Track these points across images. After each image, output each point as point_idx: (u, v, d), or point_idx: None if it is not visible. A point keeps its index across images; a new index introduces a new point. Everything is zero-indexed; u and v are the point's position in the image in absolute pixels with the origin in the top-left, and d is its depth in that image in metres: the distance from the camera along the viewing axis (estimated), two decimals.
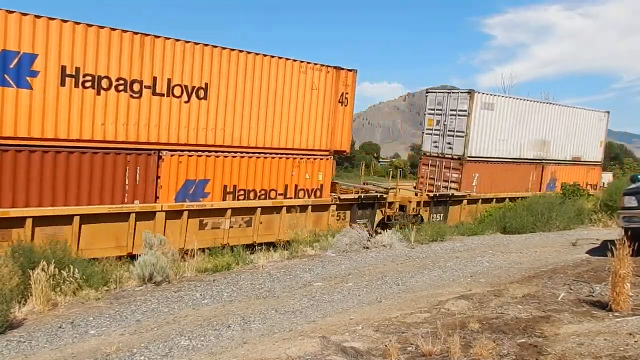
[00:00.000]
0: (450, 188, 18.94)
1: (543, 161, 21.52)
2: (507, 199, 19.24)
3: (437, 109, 19.77)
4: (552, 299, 6.63)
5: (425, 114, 20.44)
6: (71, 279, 7.62)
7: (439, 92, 20.02)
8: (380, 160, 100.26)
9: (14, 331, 6.42)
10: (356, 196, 15.64)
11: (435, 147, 19.77)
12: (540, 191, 20.64)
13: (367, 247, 11.71)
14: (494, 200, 19.30)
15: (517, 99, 20.60)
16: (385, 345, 4.99)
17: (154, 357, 5.64)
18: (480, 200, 19.13)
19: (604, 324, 5.40)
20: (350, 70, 14.89)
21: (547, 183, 21.71)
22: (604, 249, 9.16)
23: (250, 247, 12.32)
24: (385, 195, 16.16)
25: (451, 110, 19.28)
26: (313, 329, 6.13)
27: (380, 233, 12.95)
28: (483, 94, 19.19)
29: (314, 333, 5.79)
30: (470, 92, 18.76)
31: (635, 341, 4.72)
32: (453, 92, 19.48)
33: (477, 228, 15.38)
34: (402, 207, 16.72)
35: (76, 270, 7.72)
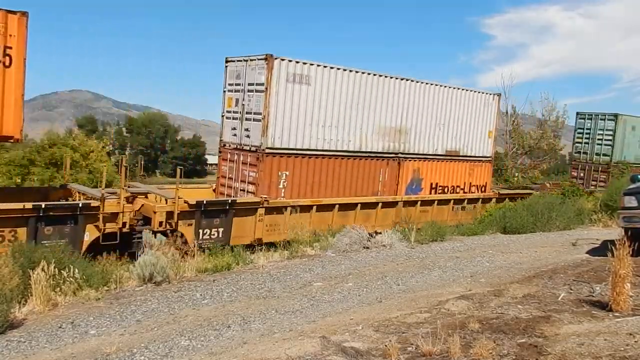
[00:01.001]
0: (247, 191, 14.11)
1: (400, 155, 16.69)
2: (337, 206, 14.84)
3: (236, 84, 14.82)
4: (552, 299, 6.63)
5: (224, 91, 15.33)
6: (71, 279, 7.62)
7: (238, 61, 14.77)
8: None
9: (14, 331, 6.42)
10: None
11: (234, 135, 14.88)
12: (397, 194, 16.59)
13: (367, 247, 11.71)
14: (314, 208, 14.38)
15: (351, 71, 15.31)
16: (385, 345, 4.99)
17: (154, 357, 5.64)
18: (289, 209, 13.86)
19: (604, 324, 5.40)
20: (12, 13, 9.94)
21: (407, 184, 17.08)
22: (604, 249, 9.16)
23: (251, 247, 12.32)
24: (96, 204, 11.13)
25: (249, 84, 14.26)
26: (313, 329, 6.13)
27: (380, 233, 12.94)
28: (290, 61, 13.90)
29: (314, 333, 5.79)
30: (268, 58, 13.50)
31: (635, 341, 4.72)
32: (252, 59, 14.22)
33: (477, 228, 15.38)
34: (147, 220, 12.04)
35: (76, 270, 7.73)
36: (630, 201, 9.52)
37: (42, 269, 7.26)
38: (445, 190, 18.55)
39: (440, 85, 17.95)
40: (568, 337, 4.98)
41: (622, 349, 4.58)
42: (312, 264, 10.11)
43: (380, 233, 12.96)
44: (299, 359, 4.84)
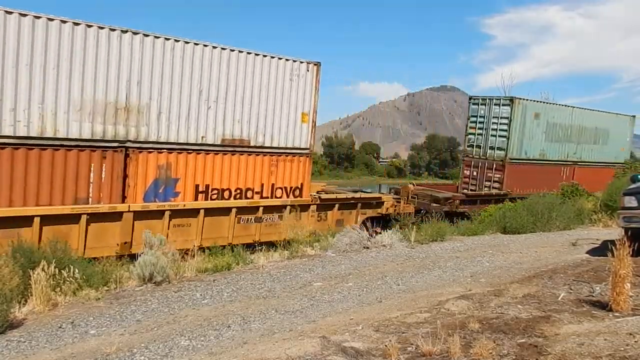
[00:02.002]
0: None
1: (128, 145, 11.73)
2: None
3: None
4: (552, 299, 6.64)
5: None
6: (71, 279, 7.63)
7: None
8: (380, 160, 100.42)
9: (14, 331, 6.42)
10: None
11: None
12: (126, 201, 11.69)
13: (367, 247, 11.71)
14: None
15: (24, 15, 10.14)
16: (385, 345, 4.99)
17: (154, 357, 5.64)
18: None
19: (604, 324, 5.40)
20: None
21: (147, 186, 12.08)
22: (604, 249, 9.16)
23: (251, 247, 12.32)
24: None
25: None
26: (313, 329, 6.13)
27: (381, 233, 12.94)
28: None
29: (314, 333, 5.79)
30: None
31: (635, 341, 4.72)
32: None
33: (477, 228, 15.38)
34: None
35: (76, 270, 7.73)
36: (630, 201, 9.53)
37: (42, 269, 7.26)
38: (226, 194, 13.41)
39: (211, 47, 12.81)
40: (568, 337, 4.98)
41: (622, 349, 4.58)
42: (312, 264, 10.11)
43: (380, 233, 12.96)
44: (299, 359, 4.84)
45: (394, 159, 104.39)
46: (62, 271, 7.58)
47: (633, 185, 10.14)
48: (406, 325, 5.86)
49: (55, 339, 6.23)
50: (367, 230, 14.15)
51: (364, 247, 11.68)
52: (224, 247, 11.87)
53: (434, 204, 20.15)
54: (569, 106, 24.71)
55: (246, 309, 7.30)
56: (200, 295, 8.00)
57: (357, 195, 17.26)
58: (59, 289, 7.53)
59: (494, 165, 22.80)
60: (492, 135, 23.09)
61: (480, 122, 23.51)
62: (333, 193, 17.08)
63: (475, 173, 23.50)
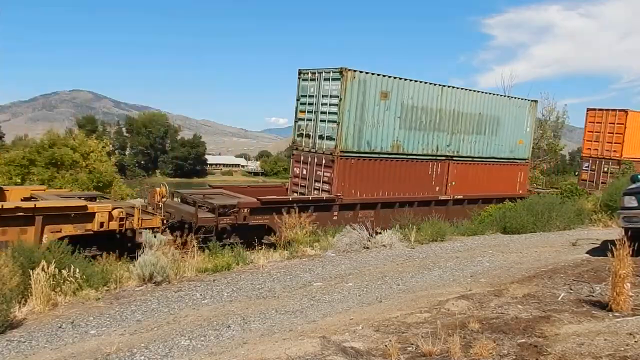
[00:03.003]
0: None
1: None
2: None
3: None
4: (552, 299, 6.64)
5: None
6: (71, 279, 7.62)
7: None
8: None
9: (14, 331, 6.42)
10: None
11: None
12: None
13: (367, 247, 11.71)
14: None
15: None
16: (386, 345, 4.99)
17: (154, 357, 5.64)
18: None
19: (604, 324, 5.40)
20: None
21: None
22: (604, 249, 9.16)
23: (251, 247, 12.32)
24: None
25: None
26: (313, 329, 6.13)
27: (381, 233, 12.93)
28: None
29: (314, 333, 5.79)
30: None
31: (635, 341, 4.72)
32: None
33: (477, 228, 15.38)
34: None
35: (76, 270, 7.73)
36: (630, 201, 9.53)
37: (42, 269, 7.26)
38: None
39: None
40: (568, 337, 4.98)
41: (622, 349, 4.58)
42: (312, 264, 10.11)
43: (380, 233, 12.96)
44: (299, 359, 4.84)
45: None
46: (62, 271, 7.58)
47: (633, 185, 10.14)
48: (406, 325, 5.86)
49: (55, 339, 6.23)
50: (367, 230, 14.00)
51: (364, 247, 11.68)
52: (224, 246, 11.85)
53: (205, 215, 13.76)
54: (436, 84, 18.22)
55: (246, 309, 7.29)
56: (200, 295, 8.00)
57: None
58: (59, 289, 7.52)
59: (323, 161, 16.43)
60: (321, 121, 16.70)
61: (310, 104, 17.22)
62: None
63: (304, 171, 17.28)
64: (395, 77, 16.96)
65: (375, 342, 5.26)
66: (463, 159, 19.27)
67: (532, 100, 21.91)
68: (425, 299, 7.23)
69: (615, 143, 28.46)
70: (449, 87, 18.66)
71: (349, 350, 4.91)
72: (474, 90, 19.76)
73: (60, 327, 6.56)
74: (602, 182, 27.80)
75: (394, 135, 17.11)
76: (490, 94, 20.48)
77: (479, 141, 19.74)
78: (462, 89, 19.11)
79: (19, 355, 5.81)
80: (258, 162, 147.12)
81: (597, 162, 29.10)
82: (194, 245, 10.38)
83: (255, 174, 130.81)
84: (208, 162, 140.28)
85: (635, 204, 9.42)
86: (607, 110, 29.11)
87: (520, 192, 20.99)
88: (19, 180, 20.62)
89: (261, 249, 11.84)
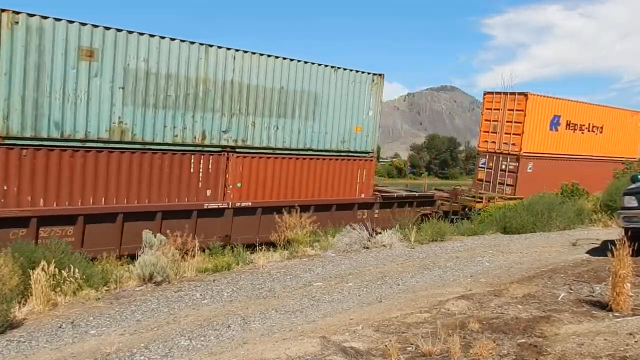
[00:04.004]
0: None
1: None
2: None
3: None
4: (552, 299, 6.64)
5: None
6: (71, 279, 7.62)
7: None
8: (381, 160, 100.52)
9: (14, 331, 6.43)
10: None
11: None
12: None
13: (367, 247, 11.71)
14: None
15: None
16: (385, 345, 4.99)
17: (154, 357, 5.64)
18: None
19: (604, 324, 5.40)
20: None
21: None
22: (604, 249, 9.16)
23: (251, 247, 12.31)
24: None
25: None
26: (313, 329, 6.13)
27: (380, 233, 12.92)
28: None
29: (314, 333, 5.80)
30: None
31: (635, 341, 4.72)
32: None
33: (477, 228, 15.38)
34: None
35: (76, 270, 7.73)
36: (630, 201, 9.53)
37: (42, 269, 7.27)
38: None
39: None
40: (568, 337, 4.98)
41: (622, 349, 4.58)
42: (312, 264, 10.11)
43: (380, 233, 12.95)
44: (299, 359, 4.84)
45: (394, 159, 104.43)
46: (62, 271, 7.58)
47: (633, 185, 10.14)
48: (406, 325, 5.86)
49: (55, 339, 6.23)
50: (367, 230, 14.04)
51: (364, 247, 11.67)
52: (224, 246, 11.86)
53: None
54: (195, 43, 12.81)
55: (246, 309, 7.30)
56: (200, 295, 8.00)
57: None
58: (59, 289, 7.53)
59: None
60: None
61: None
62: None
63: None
64: (110, 28, 11.51)
65: (375, 342, 5.26)
66: (255, 151, 14.03)
67: (374, 74, 16.40)
68: (425, 299, 7.23)
69: (514, 134, 22.95)
70: (220, 47, 13.16)
71: (349, 350, 4.91)
72: (270, 55, 14.15)
73: (60, 327, 6.56)
74: (499, 183, 23.35)
75: (112, 115, 11.70)
76: (301, 61, 14.77)
77: (283, 127, 14.50)
78: (245, 51, 13.66)
79: (19, 355, 5.81)
80: None
81: (495, 158, 23.59)
82: None
83: None
84: None
85: (635, 204, 9.41)
86: (506, 93, 23.57)
87: (363, 195, 16.28)
88: None
89: (261, 249, 11.85)
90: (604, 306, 6.00)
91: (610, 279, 5.96)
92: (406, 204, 17.58)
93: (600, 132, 26.27)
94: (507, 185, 23.16)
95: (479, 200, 20.86)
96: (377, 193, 17.06)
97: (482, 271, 9.47)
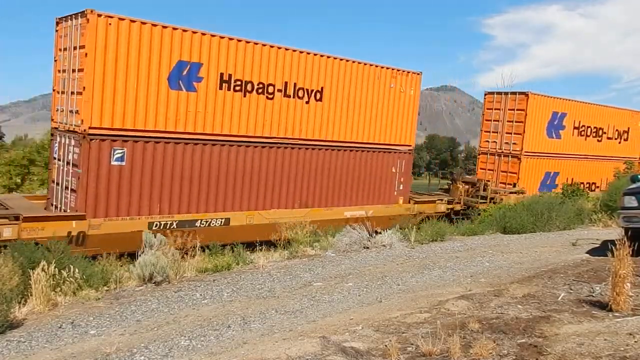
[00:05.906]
0: None
1: None
2: None
3: None
4: (552, 299, 6.64)
5: None
6: (71, 279, 7.63)
7: None
8: None
9: (14, 331, 6.42)
10: None
11: None
12: None
13: (367, 247, 11.71)
14: None
15: None
16: (385, 345, 4.99)
17: (154, 357, 5.64)
18: None
19: (604, 324, 5.40)
20: None
21: None
22: (604, 249, 9.16)
23: (251, 247, 12.32)
24: None
25: None
26: (313, 329, 6.13)
27: (380, 233, 12.92)
28: None
29: (314, 333, 5.80)
30: None
31: (635, 341, 4.72)
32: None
33: (477, 228, 15.38)
34: None
35: (76, 270, 7.73)
36: (630, 201, 9.52)
37: (42, 269, 7.26)
38: None
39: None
40: (568, 337, 4.98)
41: (622, 349, 4.58)
42: (312, 264, 10.11)
43: (380, 233, 12.95)
44: (299, 359, 4.84)
45: None
46: (62, 271, 7.58)
47: (633, 185, 10.14)
48: (406, 325, 5.86)
49: (55, 339, 6.23)
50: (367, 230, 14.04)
51: (364, 247, 11.67)
52: (224, 246, 11.85)
53: None
54: None
55: (246, 309, 7.29)
56: (200, 295, 8.00)
57: None
58: (59, 289, 7.52)
59: None
60: None
61: None
62: None
63: None
64: None
65: (375, 342, 5.26)
66: None
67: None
68: (425, 299, 7.23)
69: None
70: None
71: (349, 350, 4.91)
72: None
73: (60, 327, 6.56)
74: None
75: None
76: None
77: None
78: None
79: (19, 355, 5.81)
80: None
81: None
82: None
83: None
84: None
85: (635, 204, 9.41)
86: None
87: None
88: (19, 181, 20.61)
89: (261, 249, 11.85)
90: (604, 306, 6.00)
91: (610, 279, 5.96)
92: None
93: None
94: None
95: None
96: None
97: (482, 271, 9.47)
